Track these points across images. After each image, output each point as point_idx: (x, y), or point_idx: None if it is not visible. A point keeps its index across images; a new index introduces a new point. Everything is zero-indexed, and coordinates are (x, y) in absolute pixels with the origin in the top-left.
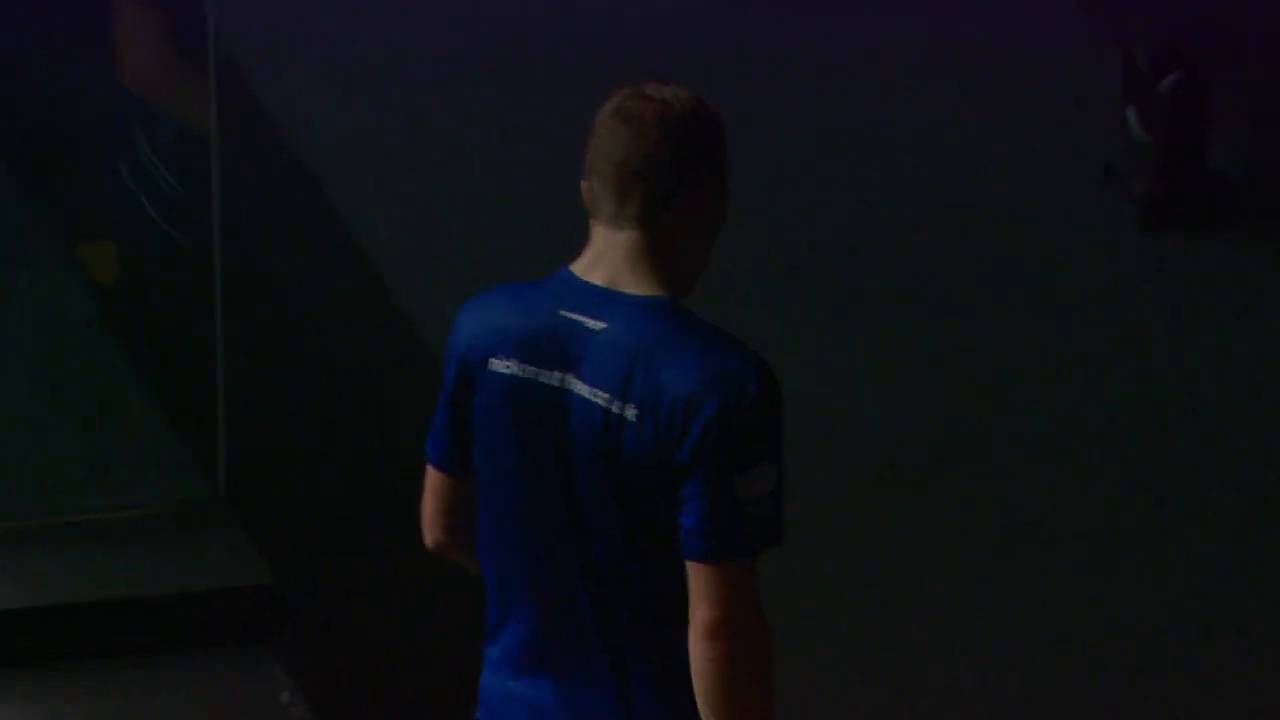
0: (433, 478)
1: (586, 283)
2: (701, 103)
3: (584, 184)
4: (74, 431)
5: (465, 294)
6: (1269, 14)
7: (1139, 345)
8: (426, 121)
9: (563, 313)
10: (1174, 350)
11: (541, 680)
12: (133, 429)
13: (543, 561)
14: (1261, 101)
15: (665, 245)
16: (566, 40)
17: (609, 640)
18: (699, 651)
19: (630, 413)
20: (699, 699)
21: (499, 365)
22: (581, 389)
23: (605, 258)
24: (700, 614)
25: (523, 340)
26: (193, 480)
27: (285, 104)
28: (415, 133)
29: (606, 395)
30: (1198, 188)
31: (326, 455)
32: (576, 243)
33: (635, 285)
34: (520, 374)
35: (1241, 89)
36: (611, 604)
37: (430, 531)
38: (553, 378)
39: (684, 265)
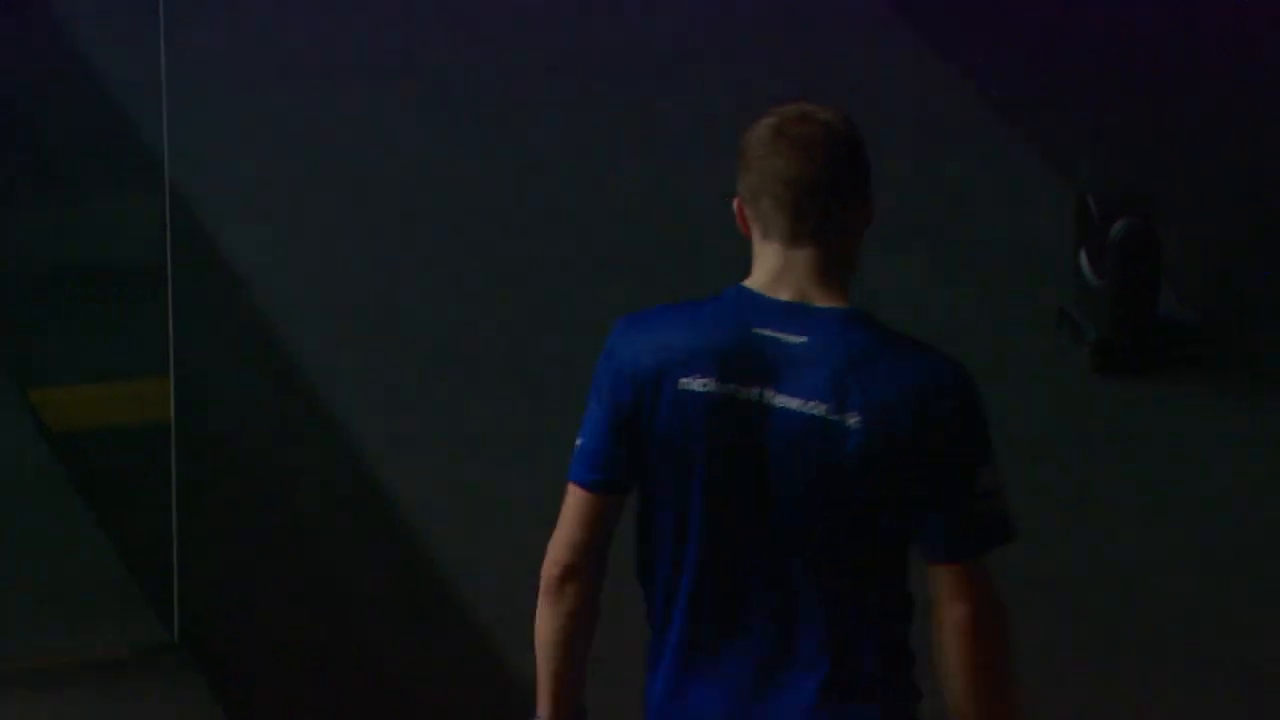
0: (582, 501)
1: (775, 299)
2: (850, 119)
3: (740, 203)
4: (28, 575)
5: (418, 436)
6: (1216, 156)
7: (1093, 489)
8: (379, 262)
9: (757, 329)
10: (1127, 493)
11: (727, 691)
12: (87, 573)
13: (731, 573)
14: (1211, 245)
15: (841, 256)
16: (522, 194)
17: (802, 642)
18: (962, 646)
19: (853, 420)
20: (961, 692)
21: (691, 383)
22: (790, 402)
23: (788, 274)
24: (958, 612)
25: (717, 357)
26: (147, 624)
27: (238, 245)
28: (367, 274)
29: (824, 405)
30: (1150, 332)
31: (281, 599)
32: (538, 383)
33: (824, 298)
34: (717, 390)
35: (1192, 231)
36: (812, 611)
37: (566, 555)
38: (751, 393)
39: (851, 272)
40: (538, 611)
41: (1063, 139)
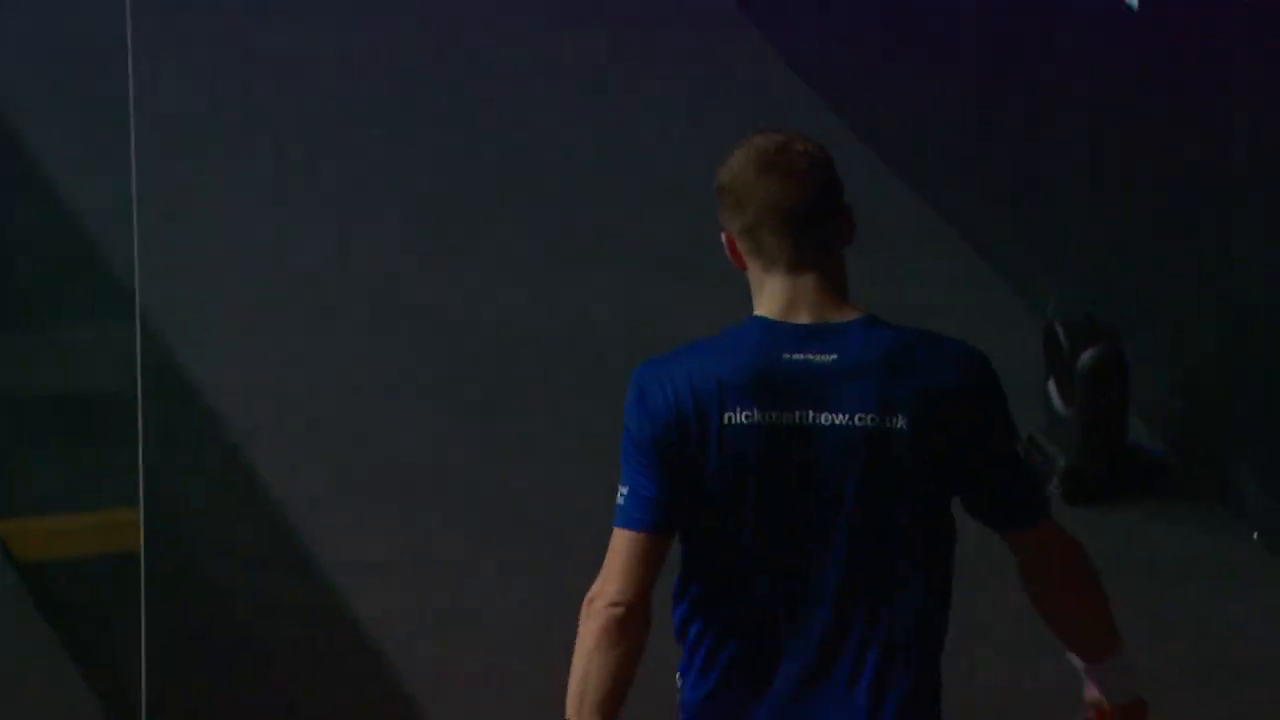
0: (639, 544)
1: (794, 324)
2: (818, 142)
3: (732, 238)
4: None
5: (389, 564)
6: (1185, 286)
7: None
8: (349, 390)
9: (787, 355)
10: None
11: (774, 703)
12: (56, 704)
13: (783, 592)
14: (1179, 374)
15: (840, 271)
16: (493, 318)
17: (851, 651)
18: (1082, 583)
19: (901, 423)
20: (1093, 622)
21: (736, 417)
22: (836, 419)
23: (800, 299)
24: (1067, 559)
25: (755, 388)
26: None
27: (209, 374)
28: (337, 401)
29: (872, 415)
30: (1119, 460)
31: None
32: (509, 509)
33: (839, 314)
34: (761, 421)
35: (1161, 358)
36: (861, 622)
37: (627, 596)
38: (794, 417)
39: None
40: (586, 659)
41: (1032, 269)
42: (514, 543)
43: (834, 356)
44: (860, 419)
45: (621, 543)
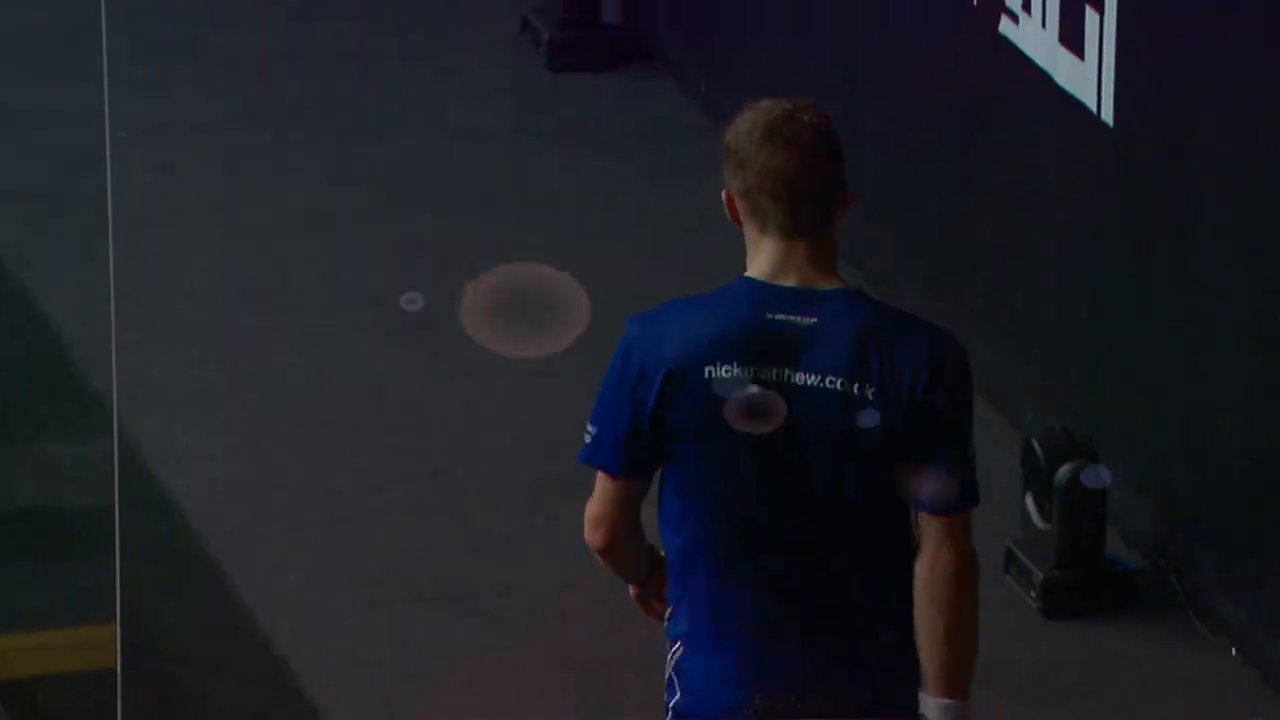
0: (616, 486)
1: (781, 286)
2: (825, 114)
3: (732, 196)
4: None
5: (366, 671)
6: (1156, 398)
7: None
8: (326, 494)
9: (770, 315)
10: None
11: (764, 644)
12: None
13: (765, 536)
14: (1156, 488)
15: (830, 242)
16: (473, 417)
17: (828, 597)
18: (944, 590)
19: (870, 392)
20: (936, 634)
21: (716, 370)
22: (809, 379)
23: (789, 264)
24: (944, 559)
25: (738, 344)
26: None
27: (185, 489)
28: (315, 509)
29: (843, 379)
30: (1096, 575)
31: None
32: (487, 610)
33: (825, 282)
34: (741, 375)
35: (1137, 473)
36: (835, 568)
37: (609, 534)
38: (771, 374)
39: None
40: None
41: (1009, 384)
42: (491, 645)
43: (814, 320)
44: (831, 382)
45: (597, 480)
